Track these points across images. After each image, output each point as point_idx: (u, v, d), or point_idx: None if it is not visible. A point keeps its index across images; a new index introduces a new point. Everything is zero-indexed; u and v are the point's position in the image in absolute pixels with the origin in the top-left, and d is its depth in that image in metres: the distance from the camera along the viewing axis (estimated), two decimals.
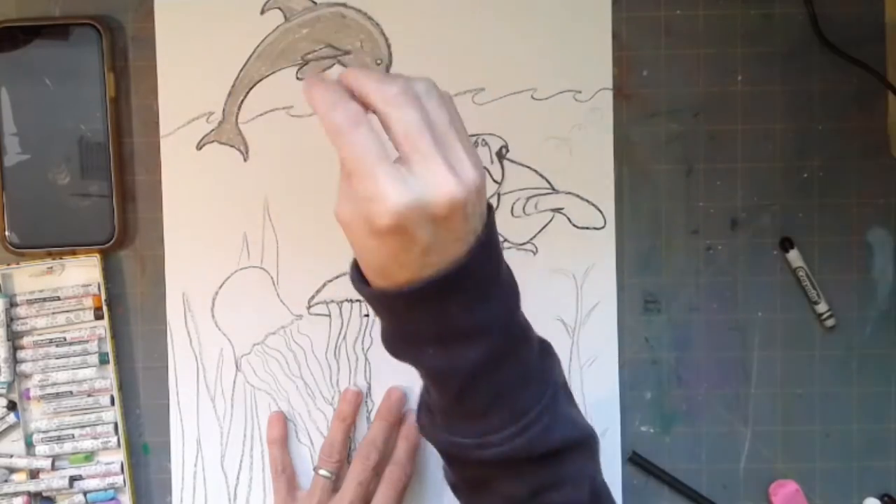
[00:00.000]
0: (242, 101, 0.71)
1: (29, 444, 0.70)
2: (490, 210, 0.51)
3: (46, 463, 0.70)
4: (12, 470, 0.70)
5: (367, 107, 0.48)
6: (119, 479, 0.70)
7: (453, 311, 0.50)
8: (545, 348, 0.57)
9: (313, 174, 0.71)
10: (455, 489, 0.59)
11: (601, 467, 0.60)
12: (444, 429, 0.56)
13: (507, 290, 0.53)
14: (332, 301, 0.71)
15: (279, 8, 0.71)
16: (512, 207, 0.71)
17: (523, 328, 0.54)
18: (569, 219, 0.71)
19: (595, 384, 0.71)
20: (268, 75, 0.71)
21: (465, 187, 0.47)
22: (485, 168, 0.54)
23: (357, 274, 0.52)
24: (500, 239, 0.70)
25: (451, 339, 0.51)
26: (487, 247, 0.50)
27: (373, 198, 0.47)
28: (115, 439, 0.70)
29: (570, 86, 0.71)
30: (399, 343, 0.54)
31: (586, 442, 0.58)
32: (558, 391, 0.56)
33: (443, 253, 0.48)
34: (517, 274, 0.70)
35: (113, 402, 0.70)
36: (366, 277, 0.51)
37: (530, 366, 0.54)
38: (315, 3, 0.71)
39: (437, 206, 0.47)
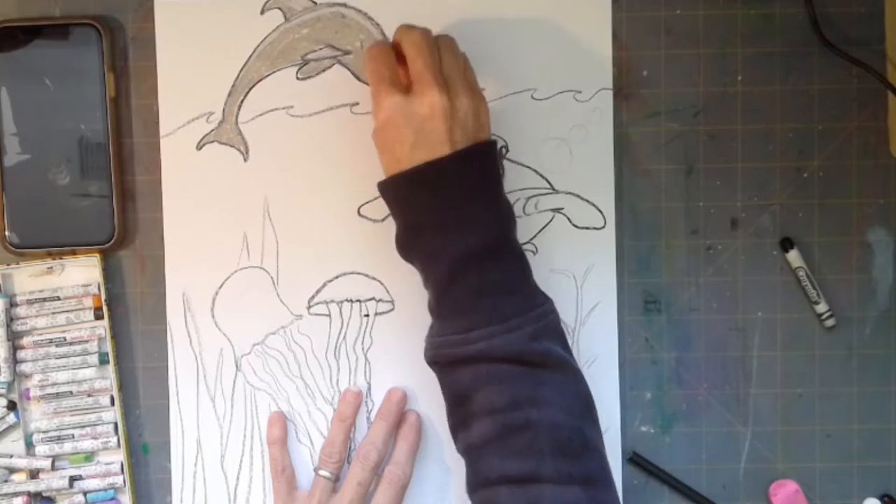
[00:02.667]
0: (242, 101, 0.71)
1: (29, 444, 0.70)
2: (495, 147, 0.65)
3: (46, 463, 0.70)
4: (12, 470, 0.70)
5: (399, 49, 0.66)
6: (119, 479, 0.70)
7: (445, 203, 0.62)
8: (545, 299, 0.64)
9: (313, 174, 0.71)
10: (449, 419, 0.64)
11: (599, 429, 0.64)
12: (435, 333, 0.64)
13: (500, 208, 0.64)
14: (332, 301, 0.71)
15: (279, 8, 0.71)
16: None
17: (515, 252, 0.64)
18: (569, 219, 0.71)
19: (595, 384, 0.71)
20: (268, 75, 0.71)
21: (447, 100, 0.62)
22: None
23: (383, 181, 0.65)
24: None
25: (444, 226, 0.62)
26: (476, 161, 0.63)
27: (375, 102, 0.64)
28: (115, 439, 0.70)
29: (570, 86, 0.71)
30: (406, 235, 0.64)
31: (574, 373, 0.63)
32: (549, 322, 0.63)
33: (430, 150, 0.62)
34: None
35: (113, 402, 0.70)
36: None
37: (518, 279, 0.63)
38: (315, 3, 0.71)
39: (419, 106, 0.62)
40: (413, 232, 0.64)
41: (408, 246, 0.64)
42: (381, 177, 0.71)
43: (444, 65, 0.64)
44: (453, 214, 0.62)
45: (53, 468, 0.70)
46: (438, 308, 0.64)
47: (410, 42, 0.64)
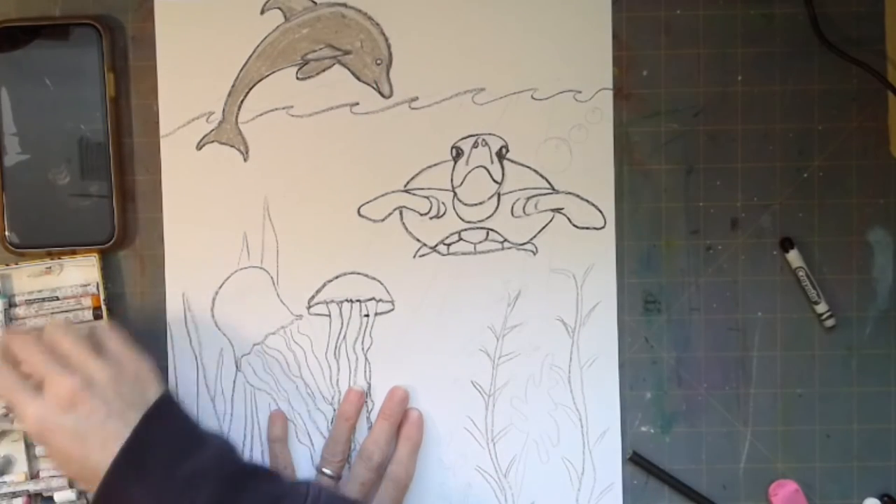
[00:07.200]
0: (242, 101, 0.71)
1: (29, 444, 0.70)
2: (170, 399, 0.62)
3: (46, 463, 0.70)
4: (12, 470, 0.70)
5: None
6: None
7: (162, 484, 0.57)
8: (300, 481, 0.63)
9: (313, 174, 0.71)
10: None
11: None
12: None
13: (211, 440, 0.61)
14: (332, 301, 0.71)
15: (279, 8, 0.71)
16: (512, 207, 0.71)
17: (250, 467, 0.62)
18: (569, 219, 0.71)
19: (595, 384, 0.71)
20: (268, 75, 0.71)
21: (81, 379, 0.59)
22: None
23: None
24: (501, 239, 0.70)
25: (172, 499, 0.57)
26: (160, 416, 0.60)
27: (19, 417, 0.61)
28: None
29: (570, 86, 0.71)
30: None
31: None
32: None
33: (101, 435, 0.58)
34: (518, 274, 0.71)
35: None
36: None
37: (275, 492, 0.60)
38: (315, 3, 0.71)
39: (58, 399, 0.59)
40: None
41: None
42: (382, 177, 0.71)
43: (65, 351, 0.61)
44: (175, 486, 0.57)
45: (53, 468, 0.70)
46: None
47: (18, 348, 0.61)
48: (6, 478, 0.70)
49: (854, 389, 0.72)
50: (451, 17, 0.71)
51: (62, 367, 0.60)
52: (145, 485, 0.57)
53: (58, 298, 0.70)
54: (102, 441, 0.58)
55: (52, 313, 0.70)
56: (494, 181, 0.71)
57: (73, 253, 0.70)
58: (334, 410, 0.71)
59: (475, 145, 0.71)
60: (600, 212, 0.71)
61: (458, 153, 0.71)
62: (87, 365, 0.61)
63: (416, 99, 0.71)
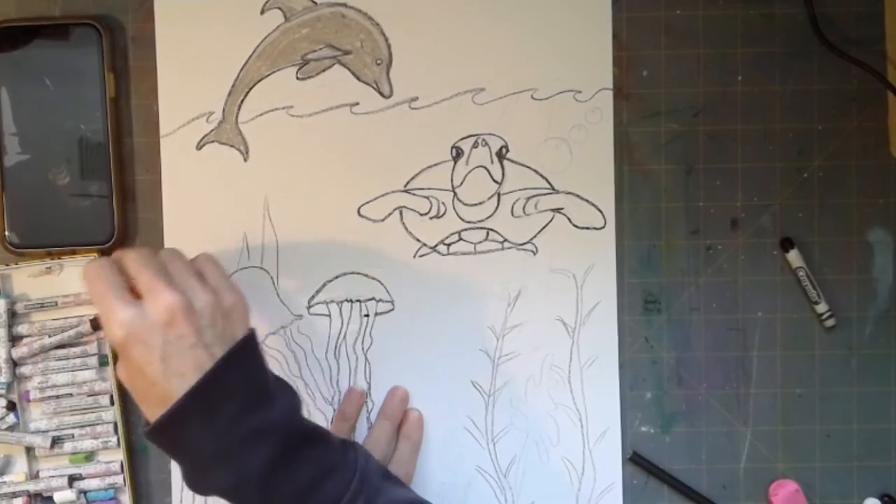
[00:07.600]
0: (242, 101, 0.71)
1: (29, 447, 0.70)
2: (254, 339, 0.60)
3: (46, 463, 0.70)
4: (12, 470, 0.70)
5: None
6: (119, 479, 0.70)
7: (224, 429, 0.56)
8: (348, 445, 0.62)
9: (313, 174, 0.71)
10: None
11: None
12: None
13: (276, 403, 0.59)
14: (332, 301, 0.71)
15: (279, 8, 0.71)
16: (512, 207, 0.71)
17: (309, 435, 0.60)
18: (569, 219, 0.71)
19: (595, 384, 0.71)
20: (268, 75, 0.71)
21: (184, 299, 0.57)
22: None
23: (146, 428, 0.58)
24: (501, 239, 0.70)
25: (233, 455, 0.57)
26: (239, 368, 0.58)
27: (107, 320, 0.57)
28: (114, 439, 0.70)
29: (570, 86, 0.71)
30: (195, 474, 0.58)
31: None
32: (369, 470, 0.61)
33: (183, 361, 0.56)
34: (518, 274, 0.71)
35: (113, 402, 0.70)
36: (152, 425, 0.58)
37: (325, 458, 0.59)
38: (315, 3, 0.71)
39: (156, 313, 0.56)
40: (202, 469, 0.58)
41: (201, 484, 0.58)
42: (382, 177, 0.71)
43: (172, 271, 0.60)
44: (237, 437, 0.57)
45: (53, 468, 0.70)
46: None
47: (130, 259, 0.59)
48: (6, 478, 0.70)
49: (854, 389, 0.72)
50: (451, 17, 0.71)
51: (168, 283, 0.58)
52: (210, 427, 0.56)
53: (58, 298, 0.70)
54: (183, 368, 0.56)
55: (53, 314, 0.70)
56: (494, 181, 0.71)
57: (73, 253, 0.70)
58: (334, 410, 0.71)
59: (475, 145, 0.71)
60: (600, 212, 0.71)
61: (458, 153, 0.71)
62: (191, 288, 0.59)
63: (416, 99, 0.71)
